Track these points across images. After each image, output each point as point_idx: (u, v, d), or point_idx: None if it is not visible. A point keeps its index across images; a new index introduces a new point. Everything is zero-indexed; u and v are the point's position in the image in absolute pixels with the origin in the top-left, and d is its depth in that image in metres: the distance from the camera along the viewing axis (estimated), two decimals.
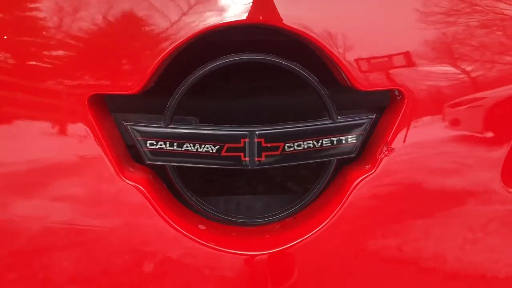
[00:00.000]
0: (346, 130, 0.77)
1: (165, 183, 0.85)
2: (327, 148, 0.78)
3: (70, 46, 0.71)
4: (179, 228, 0.76)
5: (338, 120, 0.77)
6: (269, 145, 0.76)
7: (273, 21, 0.72)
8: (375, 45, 0.74)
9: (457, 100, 0.76)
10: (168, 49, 0.70)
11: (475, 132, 0.78)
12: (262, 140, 0.76)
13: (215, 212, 0.81)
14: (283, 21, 0.72)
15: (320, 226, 0.77)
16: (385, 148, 0.77)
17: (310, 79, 0.75)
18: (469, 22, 0.75)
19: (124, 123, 0.75)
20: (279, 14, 0.71)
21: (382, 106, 0.82)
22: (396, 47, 0.74)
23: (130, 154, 0.82)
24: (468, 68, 0.76)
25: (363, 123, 0.78)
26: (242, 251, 0.78)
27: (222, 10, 0.71)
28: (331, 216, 0.77)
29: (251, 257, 0.78)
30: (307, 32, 0.72)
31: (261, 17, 0.71)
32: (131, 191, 0.75)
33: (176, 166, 0.77)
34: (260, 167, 0.77)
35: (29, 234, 0.77)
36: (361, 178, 0.77)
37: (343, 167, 0.84)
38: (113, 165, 0.74)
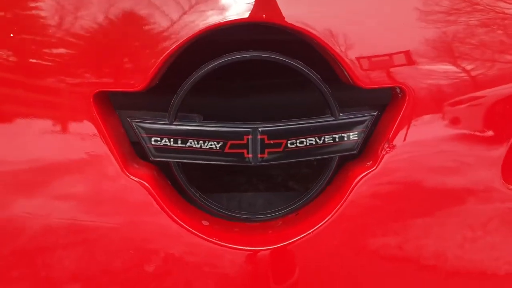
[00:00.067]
0: (348, 127, 0.78)
1: (169, 180, 0.86)
2: (329, 145, 0.78)
3: (75, 44, 0.72)
4: (183, 224, 0.77)
5: (340, 117, 0.78)
6: (272, 141, 0.77)
7: (276, 19, 0.72)
8: (377, 43, 0.74)
9: (457, 98, 0.77)
10: (173, 47, 0.71)
11: (476, 129, 0.78)
12: (265, 137, 0.77)
13: (219, 208, 0.82)
14: (285, 19, 0.72)
15: (322, 222, 0.78)
16: (386, 145, 0.78)
17: (312, 76, 0.76)
18: (470, 21, 0.76)
19: (129, 120, 0.76)
20: (281, 12, 0.72)
21: (383, 104, 0.83)
22: (397, 45, 0.75)
23: (135, 150, 0.83)
24: (469, 67, 0.77)
25: (364, 120, 0.79)
26: (245, 246, 0.78)
27: (224, 8, 0.72)
28: (333, 213, 0.78)
29: (254, 253, 0.78)
30: (310, 30, 0.72)
31: (264, 15, 0.72)
32: (136, 187, 0.76)
33: (180, 162, 0.78)
34: (263, 163, 0.78)
35: (32, 232, 0.78)
36: (362, 174, 0.78)
37: (345, 164, 0.85)
38: (118, 161, 0.75)
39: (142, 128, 0.76)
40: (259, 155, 0.77)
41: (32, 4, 0.73)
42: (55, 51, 0.73)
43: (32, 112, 0.74)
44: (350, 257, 0.80)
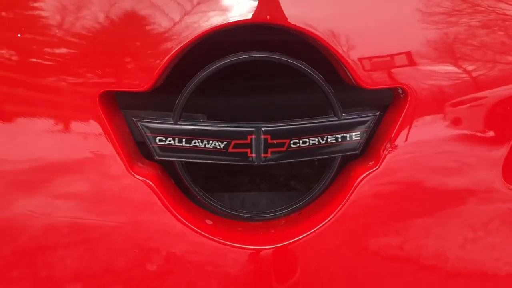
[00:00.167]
0: (351, 127, 0.79)
1: (173, 179, 0.87)
2: (331, 145, 0.79)
3: (82, 45, 0.73)
4: (187, 223, 0.78)
5: (342, 118, 0.78)
6: (275, 141, 0.78)
7: (279, 20, 0.73)
8: (379, 44, 0.75)
9: (459, 99, 0.78)
10: (178, 47, 0.72)
11: (477, 130, 0.79)
12: (269, 136, 0.77)
13: (222, 207, 0.83)
14: (288, 20, 0.73)
15: (325, 222, 0.79)
16: (388, 145, 0.78)
17: (315, 77, 0.77)
18: (471, 22, 0.76)
19: (134, 119, 0.77)
20: (284, 13, 0.73)
21: (385, 104, 0.83)
22: (399, 46, 0.75)
23: (139, 150, 0.84)
24: (470, 68, 0.77)
25: (367, 121, 0.79)
26: (248, 245, 0.79)
27: (229, 10, 0.73)
28: (335, 212, 0.79)
29: (257, 252, 0.79)
30: (313, 31, 0.73)
31: (268, 16, 0.73)
32: (140, 186, 0.77)
33: (184, 162, 0.79)
34: (266, 163, 0.78)
35: (36, 231, 0.79)
36: (365, 174, 0.78)
37: (347, 163, 0.86)
38: (123, 160, 0.76)
39: (147, 127, 0.77)
40: (262, 155, 0.78)
41: (43, 5, 0.73)
42: (62, 51, 0.73)
43: (39, 112, 0.75)
44: (352, 257, 0.80)
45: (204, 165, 0.80)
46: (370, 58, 0.75)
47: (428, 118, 0.78)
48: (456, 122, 0.79)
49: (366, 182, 0.79)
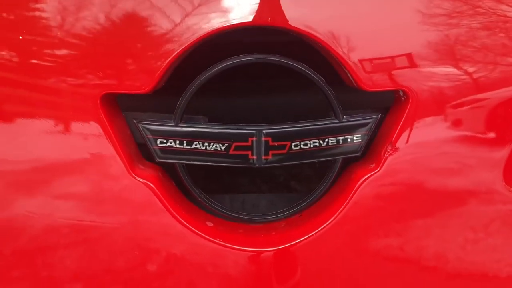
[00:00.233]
0: (352, 129, 0.79)
1: (173, 180, 0.87)
2: (333, 147, 0.79)
3: (83, 46, 0.73)
4: (188, 225, 0.78)
5: (343, 120, 0.78)
6: (276, 143, 0.78)
7: (280, 22, 0.73)
8: (380, 46, 0.75)
9: (460, 101, 0.78)
10: (179, 50, 0.72)
11: (478, 132, 0.79)
12: (270, 139, 0.77)
13: (223, 210, 0.83)
14: (289, 23, 0.73)
15: (325, 224, 0.79)
16: (389, 148, 0.78)
17: (316, 79, 0.77)
18: (472, 24, 0.76)
19: (135, 121, 0.77)
20: (285, 16, 0.73)
21: (387, 106, 0.83)
22: (400, 48, 0.76)
23: (140, 151, 0.84)
24: (471, 70, 0.77)
25: (368, 123, 0.79)
26: (249, 247, 0.79)
27: (230, 12, 0.73)
28: (336, 214, 0.79)
29: (258, 254, 0.79)
30: (314, 33, 0.73)
31: (269, 19, 0.73)
32: (141, 188, 0.77)
33: (185, 164, 0.79)
34: (267, 165, 0.78)
35: (36, 231, 0.79)
36: (365, 176, 0.78)
37: (348, 165, 0.86)
38: (124, 162, 0.76)
39: (148, 129, 0.77)
40: (263, 157, 0.78)
41: (46, 8, 0.73)
42: (64, 53, 0.73)
43: (40, 113, 0.75)
44: (354, 259, 0.80)
45: (204, 166, 0.79)
46: (371, 61, 0.75)
47: (429, 120, 0.78)
48: (457, 124, 0.79)
49: (367, 184, 0.79)
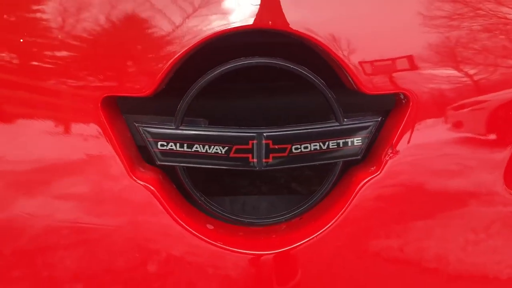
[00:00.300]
0: (352, 132, 0.79)
1: (173, 182, 0.87)
2: (333, 150, 0.79)
3: (84, 49, 0.73)
4: (188, 228, 0.78)
5: (344, 123, 0.79)
6: (276, 146, 0.78)
7: (280, 25, 0.73)
8: (381, 50, 0.75)
9: (461, 104, 0.78)
10: (180, 53, 0.72)
11: (479, 135, 0.79)
12: (270, 141, 0.77)
13: (223, 212, 0.83)
14: (290, 26, 0.73)
15: (326, 227, 0.79)
16: (390, 151, 0.78)
17: (317, 82, 0.77)
18: (473, 26, 0.76)
19: (136, 124, 0.77)
20: (286, 19, 0.73)
21: (387, 109, 0.83)
22: (400, 51, 0.76)
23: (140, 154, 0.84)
24: (472, 72, 0.77)
25: (368, 126, 0.79)
26: (249, 250, 0.79)
27: (231, 15, 0.73)
28: (336, 217, 0.79)
29: (258, 257, 0.79)
30: (315, 36, 0.73)
31: (270, 22, 0.73)
32: (142, 191, 0.77)
33: (186, 166, 0.79)
34: (267, 168, 0.78)
35: (35, 232, 0.79)
36: (366, 179, 0.78)
37: (349, 168, 0.86)
38: (125, 165, 0.76)
39: (149, 132, 0.77)
40: (263, 160, 0.78)
41: (49, 11, 0.74)
42: (65, 55, 0.73)
43: (40, 116, 0.75)
44: (354, 262, 0.80)
45: (204, 168, 0.79)
46: (371, 64, 0.75)
47: (429, 123, 0.78)
48: (457, 127, 0.79)
49: (368, 187, 0.79)
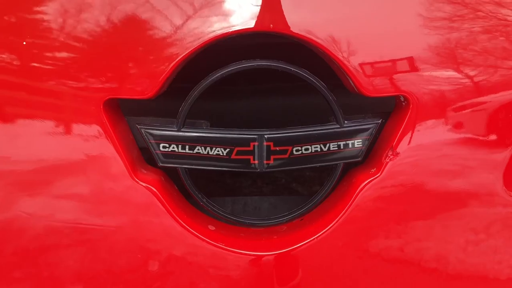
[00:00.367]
0: (353, 134, 0.80)
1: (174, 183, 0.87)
2: (334, 152, 0.80)
3: (87, 52, 0.73)
4: (190, 229, 0.78)
5: (345, 125, 0.79)
6: (277, 148, 0.78)
7: (282, 28, 0.73)
8: (381, 53, 0.75)
9: (461, 106, 0.78)
10: (182, 55, 0.72)
11: (478, 137, 0.79)
12: (271, 143, 0.78)
13: (225, 214, 0.83)
14: (291, 29, 0.73)
15: (327, 228, 0.79)
16: (390, 153, 0.79)
17: (318, 85, 0.77)
18: (474, 28, 0.77)
19: (138, 126, 0.78)
20: (287, 22, 0.73)
21: (388, 111, 0.84)
22: (400, 54, 0.76)
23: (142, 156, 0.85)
24: (472, 75, 0.77)
25: (369, 128, 0.80)
26: (251, 251, 0.80)
27: (231, 17, 0.73)
28: (337, 218, 0.79)
29: (259, 258, 0.80)
30: (316, 39, 0.74)
31: (271, 25, 0.73)
32: (144, 192, 0.77)
33: (188, 168, 0.80)
34: (269, 170, 0.79)
35: (34, 233, 0.80)
36: (366, 181, 0.79)
37: (349, 170, 0.86)
38: (127, 167, 0.77)
39: (151, 134, 0.78)
40: (265, 162, 0.79)
41: (53, 14, 0.74)
42: (68, 57, 0.74)
43: (43, 117, 0.76)
44: (355, 263, 0.81)
45: (206, 169, 0.80)
46: (372, 67, 0.75)
47: (429, 125, 0.78)
48: (457, 129, 0.79)
49: (368, 189, 0.79)
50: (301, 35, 0.73)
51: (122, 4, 0.73)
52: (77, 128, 0.76)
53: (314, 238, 0.79)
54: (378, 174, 0.79)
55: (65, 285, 0.81)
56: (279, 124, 0.81)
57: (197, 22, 0.73)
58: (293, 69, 0.76)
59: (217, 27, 0.73)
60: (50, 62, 0.74)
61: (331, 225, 0.79)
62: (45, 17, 0.74)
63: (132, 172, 0.77)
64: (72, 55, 0.74)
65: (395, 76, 0.76)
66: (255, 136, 0.78)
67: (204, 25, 0.73)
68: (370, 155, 0.84)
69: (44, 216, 0.79)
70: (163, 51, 0.73)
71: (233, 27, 0.73)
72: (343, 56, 0.74)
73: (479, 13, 0.77)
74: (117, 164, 0.77)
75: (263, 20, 0.73)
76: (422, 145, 0.79)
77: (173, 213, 0.78)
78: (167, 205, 0.78)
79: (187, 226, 0.79)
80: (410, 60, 0.76)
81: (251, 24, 0.73)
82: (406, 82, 0.76)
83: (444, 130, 0.78)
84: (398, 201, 0.80)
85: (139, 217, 0.79)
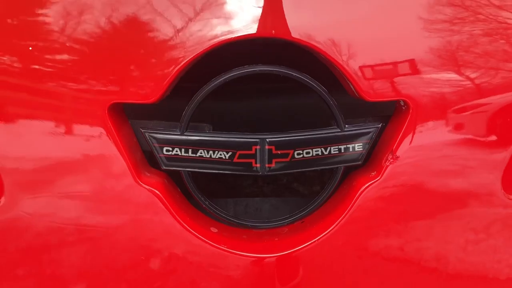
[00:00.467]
0: (353, 138, 0.81)
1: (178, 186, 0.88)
2: (334, 156, 0.81)
3: (92, 57, 0.74)
4: (193, 232, 0.80)
5: (345, 129, 0.80)
6: (279, 152, 0.80)
7: (283, 34, 0.74)
8: (382, 59, 0.76)
9: (461, 110, 0.79)
10: (185, 60, 0.73)
11: (478, 142, 0.80)
12: (273, 147, 0.79)
13: (227, 216, 0.85)
14: (292, 35, 0.74)
15: (327, 231, 0.80)
16: (390, 157, 0.80)
17: (319, 90, 0.78)
18: (474, 31, 0.77)
19: (142, 130, 0.79)
20: (288, 28, 0.74)
21: (388, 115, 0.85)
22: (400, 59, 0.76)
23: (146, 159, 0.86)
24: (471, 77, 0.78)
25: (369, 132, 0.81)
26: (253, 253, 0.81)
27: (233, 24, 0.74)
28: (338, 221, 0.80)
29: (261, 260, 0.81)
30: (317, 45, 0.74)
31: (273, 31, 0.74)
32: (147, 195, 0.78)
33: (191, 171, 0.81)
34: (270, 173, 0.80)
35: (37, 232, 0.81)
36: (367, 184, 0.80)
37: (350, 173, 0.88)
38: (131, 170, 0.78)
39: (155, 138, 0.79)
40: (266, 165, 0.80)
41: (48, 18, 0.75)
42: (72, 62, 0.75)
43: (47, 120, 0.77)
44: (355, 265, 0.82)
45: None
46: (372, 72, 0.76)
47: (429, 129, 0.79)
48: (457, 134, 0.80)
49: (368, 192, 0.80)
50: (303, 41, 0.74)
51: (124, 7, 0.74)
52: (82, 132, 0.77)
53: (315, 241, 0.81)
54: (378, 178, 0.80)
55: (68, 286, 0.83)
56: (280, 123, 0.82)
57: (201, 29, 0.73)
58: (295, 74, 0.77)
59: (220, 33, 0.73)
60: (56, 65, 0.75)
61: (331, 227, 0.80)
62: (51, 23, 0.75)
63: (136, 175, 0.79)
64: (76, 59, 0.75)
65: (394, 82, 0.77)
66: (257, 140, 0.79)
67: (207, 32, 0.73)
68: (371, 159, 0.85)
69: (46, 214, 0.80)
70: (167, 58, 0.74)
71: (236, 33, 0.74)
72: (344, 62, 0.75)
73: (479, 16, 0.78)
74: (121, 167, 0.78)
75: (265, 26, 0.74)
76: (422, 149, 0.80)
77: (176, 216, 0.79)
78: (170, 207, 0.79)
79: (189, 229, 0.80)
80: (409, 65, 0.76)
81: (253, 29, 0.74)
82: (406, 87, 0.77)
83: (443, 134, 0.79)
84: (398, 203, 0.81)
85: (142, 219, 0.80)
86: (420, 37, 0.76)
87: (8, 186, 0.79)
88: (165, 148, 0.79)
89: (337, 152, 0.81)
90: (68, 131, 0.77)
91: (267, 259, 0.81)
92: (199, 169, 0.80)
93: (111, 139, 0.77)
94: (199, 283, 0.81)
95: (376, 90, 0.77)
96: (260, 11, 0.73)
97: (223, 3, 0.73)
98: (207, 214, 0.88)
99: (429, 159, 0.80)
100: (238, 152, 0.79)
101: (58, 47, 0.75)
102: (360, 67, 0.75)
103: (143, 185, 0.79)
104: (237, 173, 0.80)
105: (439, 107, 0.78)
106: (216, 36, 0.73)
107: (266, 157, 0.79)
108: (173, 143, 0.79)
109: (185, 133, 0.79)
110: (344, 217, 0.80)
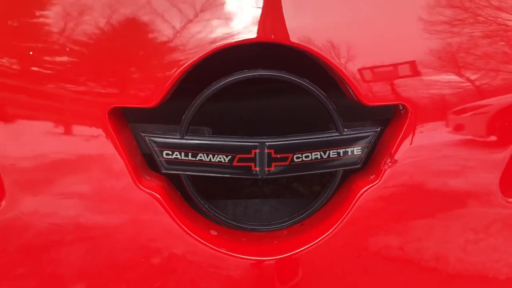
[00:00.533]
0: (352, 142, 0.81)
1: (177, 188, 0.89)
2: (333, 159, 0.81)
3: (93, 62, 0.75)
4: (193, 234, 0.80)
5: (344, 133, 0.81)
6: (278, 155, 0.80)
7: (282, 39, 0.74)
8: (381, 63, 0.76)
9: (460, 112, 0.79)
10: (185, 65, 0.73)
11: (476, 145, 0.81)
12: (272, 151, 0.80)
13: (227, 219, 0.85)
14: (291, 39, 0.74)
15: (327, 233, 0.81)
16: (388, 160, 0.80)
17: (318, 94, 0.79)
18: (474, 33, 0.78)
19: (142, 134, 0.79)
20: (287, 33, 0.74)
21: (387, 118, 0.85)
22: (398, 63, 0.77)
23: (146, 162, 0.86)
24: (471, 80, 0.78)
25: (368, 136, 0.81)
26: (252, 256, 0.82)
27: (234, 28, 0.74)
28: (337, 224, 0.81)
29: (260, 262, 0.82)
30: (316, 50, 0.75)
31: (272, 36, 0.74)
32: (148, 198, 0.79)
33: (190, 175, 0.81)
34: (269, 176, 0.81)
35: (37, 231, 0.82)
36: (366, 188, 0.81)
37: (349, 176, 0.88)
38: (131, 173, 0.78)
39: (154, 142, 0.79)
40: (266, 169, 0.80)
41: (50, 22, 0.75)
42: (74, 67, 0.75)
43: (48, 124, 0.77)
44: (354, 268, 0.83)
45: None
46: (371, 76, 0.76)
47: (427, 133, 0.79)
48: (456, 137, 0.80)
49: (367, 195, 0.81)
50: (302, 45, 0.74)
51: (124, 10, 0.74)
52: (82, 136, 0.77)
53: (315, 243, 0.81)
54: (377, 181, 0.81)
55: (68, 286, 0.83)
56: (280, 124, 0.83)
57: (201, 34, 0.74)
58: (294, 79, 0.78)
59: (221, 37, 0.74)
60: (56, 69, 0.76)
61: (331, 230, 0.81)
62: (53, 28, 0.75)
63: (136, 179, 0.79)
64: (79, 64, 0.75)
65: (393, 86, 0.77)
66: (256, 144, 0.79)
67: (207, 36, 0.74)
68: (369, 162, 0.86)
69: (47, 214, 0.80)
70: (167, 62, 0.74)
71: (237, 37, 0.74)
72: (342, 66, 0.75)
73: (479, 17, 0.78)
74: (122, 170, 0.78)
75: (265, 31, 0.74)
76: (421, 152, 0.80)
77: (176, 219, 0.80)
78: (170, 210, 0.80)
79: (189, 232, 0.80)
80: (407, 69, 0.77)
81: (253, 34, 0.74)
82: (405, 92, 0.77)
83: (442, 137, 0.80)
84: (397, 207, 0.82)
85: (142, 222, 0.80)
86: (418, 41, 0.76)
87: (9, 191, 0.79)
88: (165, 152, 0.80)
89: (336, 155, 0.81)
90: (69, 135, 0.77)
91: (266, 262, 0.81)
92: (198, 172, 0.81)
93: (112, 143, 0.77)
94: (199, 285, 0.82)
95: (374, 94, 0.77)
96: (259, 15, 0.74)
97: (223, 6, 0.73)
98: (207, 217, 0.88)
99: (427, 163, 0.80)
100: (238, 156, 0.80)
101: (60, 51, 0.75)
102: (359, 70, 0.75)
103: (143, 188, 0.79)
104: (236, 176, 0.81)
105: (437, 111, 0.78)
106: (215, 41, 0.74)
107: (266, 160, 0.80)
108: (173, 147, 0.79)
109: (185, 137, 0.79)
110: (343, 220, 0.81)
